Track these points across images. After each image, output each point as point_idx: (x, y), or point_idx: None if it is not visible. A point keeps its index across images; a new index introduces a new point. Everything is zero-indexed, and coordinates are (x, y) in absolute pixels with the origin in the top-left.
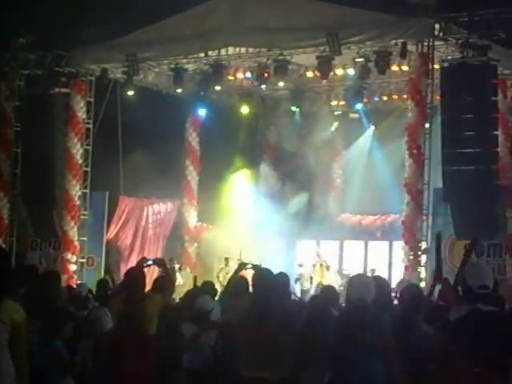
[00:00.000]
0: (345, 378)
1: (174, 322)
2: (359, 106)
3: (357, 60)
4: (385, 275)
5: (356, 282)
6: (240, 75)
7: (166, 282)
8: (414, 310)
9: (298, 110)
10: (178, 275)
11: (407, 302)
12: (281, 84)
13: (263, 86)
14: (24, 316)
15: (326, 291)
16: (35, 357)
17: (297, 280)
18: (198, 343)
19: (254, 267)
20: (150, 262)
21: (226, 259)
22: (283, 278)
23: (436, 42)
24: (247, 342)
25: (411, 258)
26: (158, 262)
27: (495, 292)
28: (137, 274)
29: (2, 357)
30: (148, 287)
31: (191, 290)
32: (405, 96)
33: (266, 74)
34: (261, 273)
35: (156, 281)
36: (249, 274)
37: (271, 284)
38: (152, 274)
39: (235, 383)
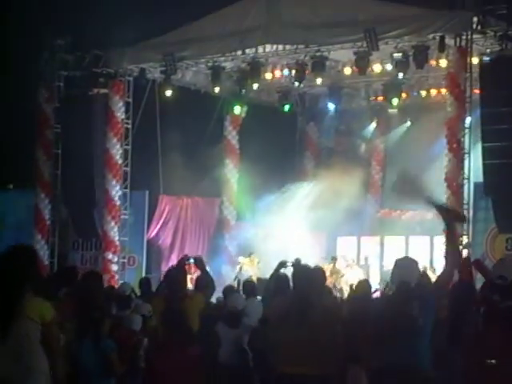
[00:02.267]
0: (395, 355)
1: (210, 321)
2: (397, 101)
3: (394, 55)
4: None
5: (400, 265)
6: (278, 73)
7: (206, 280)
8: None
9: (336, 106)
10: (256, 269)
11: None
12: (319, 81)
13: (301, 84)
14: (54, 314)
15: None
16: (82, 356)
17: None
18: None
19: (294, 265)
20: (191, 260)
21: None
22: (321, 274)
23: (474, 36)
24: (287, 339)
25: None
26: (197, 261)
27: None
28: (177, 272)
29: (35, 354)
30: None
31: (227, 288)
32: (443, 90)
33: (303, 71)
34: (300, 270)
35: (197, 280)
36: (289, 271)
37: (310, 281)
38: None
39: (273, 379)
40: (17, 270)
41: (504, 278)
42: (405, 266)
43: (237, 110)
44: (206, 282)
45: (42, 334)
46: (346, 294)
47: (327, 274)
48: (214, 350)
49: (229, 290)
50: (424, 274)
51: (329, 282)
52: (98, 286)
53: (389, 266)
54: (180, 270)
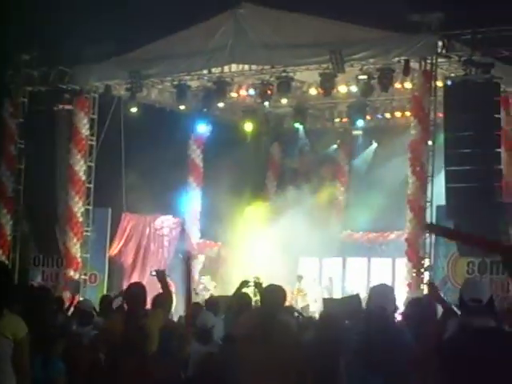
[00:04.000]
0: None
1: (176, 338)
2: (362, 123)
3: (360, 77)
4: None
5: (377, 291)
6: (243, 92)
7: (165, 297)
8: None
9: (301, 126)
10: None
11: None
12: (284, 101)
13: (266, 103)
14: (26, 330)
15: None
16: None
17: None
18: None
19: (256, 284)
20: (153, 273)
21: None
22: (284, 294)
23: (439, 60)
24: (251, 357)
25: (414, 275)
26: (159, 274)
27: (490, 307)
28: (138, 289)
29: (5, 371)
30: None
31: (193, 306)
32: (408, 113)
33: (269, 91)
34: (266, 289)
35: (156, 296)
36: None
37: (276, 299)
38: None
39: None
40: None
41: (477, 301)
42: (381, 292)
43: (201, 128)
44: (164, 297)
45: (13, 350)
46: (310, 312)
47: (294, 292)
48: (179, 368)
49: (197, 308)
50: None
51: (292, 300)
52: (48, 303)
53: (351, 287)
54: (140, 287)
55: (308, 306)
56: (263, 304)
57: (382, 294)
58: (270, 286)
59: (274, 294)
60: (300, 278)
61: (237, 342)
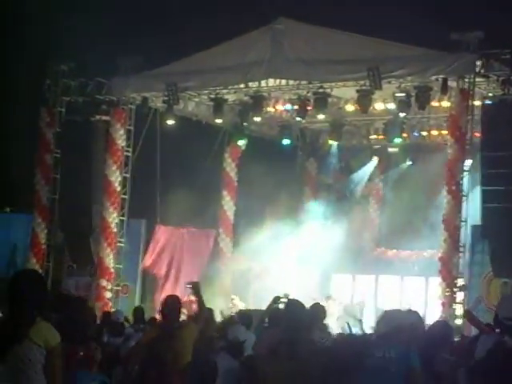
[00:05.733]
0: None
1: (202, 351)
2: (398, 140)
3: (397, 94)
4: (420, 311)
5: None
6: (280, 107)
7: (200, 310)
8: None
9: (336, 143)
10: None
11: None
12: (320, 117)
13: (303, 119)
14: (59, 339)
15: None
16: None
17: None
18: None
19: (287, 300)
20: (188, 286)
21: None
22: (314, 311)
23: (477, 79)
24: (275, 373)
25: (447, 294)
26: (194, 287)
27: None
28: (174, 301)
29: (35, 379)
30: None
31: (227, 319)
32: (444, 132)
33: (305, 107)
34: (291, 305)
35: (192, 309)
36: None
37: (301, 316)
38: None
39: None
40: (26, 294)
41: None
42: (393, 317)
43: (237, 142)
44: (199, 311)
45: (45, 359)
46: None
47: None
48: (210, 380)
49: (229, 321)
50: None
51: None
52: (85, 313)
53: (383, 305)
54: (176, 299)
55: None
56: (286, 320)
57: (393, 319)
58: (294, 301)
59: (297, 310)
60: (328, 298)
61: (259, 358)
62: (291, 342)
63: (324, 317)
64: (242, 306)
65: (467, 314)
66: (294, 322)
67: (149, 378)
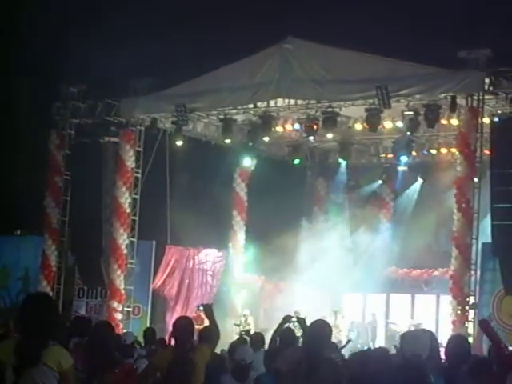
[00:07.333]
0: None
1: (214, 373)
2: (407, 158)
3: (406, 113)
4: (432, 329)
5: (410, 338)
6: (289, 127)
7: (212, 331)
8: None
9: (345, 161)
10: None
11: (453, 356)
12: (329, 136)
13: (312, 138)
14: (72, 362)
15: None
16: None
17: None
18: None
19: (299, 320)
20: (200, 308)
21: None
22: (329, 329)
23: (486, 96)
24: None
25: (459, 312)
26: (206, 308)
27: None
28: (186, 323)
29: None
30: None
31: (236, 340)
32: (453, 150)
33: (314, 126)
34: (312, 324)
35: (202, 330)
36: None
37: (321, 336)
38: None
39: None
40: (37, 318)
41: None
42: (415, 339)
43: (246, 162)
44: (211, 332)
45: (58, 382)
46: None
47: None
48: None
49: (237, 342)
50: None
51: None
52: (110, 336)
53: (394, 323)
54: (188, 321)
55: (340, 341)
56: (308, 339)
57: (413, 341)
58: (317, 321)
59: (319, 329)
60: (336, 312)
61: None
62: (311, 361)
63: (331, 334)
64: (253, 321)
65: (483, 323)
66: (314, 342)
67: None
